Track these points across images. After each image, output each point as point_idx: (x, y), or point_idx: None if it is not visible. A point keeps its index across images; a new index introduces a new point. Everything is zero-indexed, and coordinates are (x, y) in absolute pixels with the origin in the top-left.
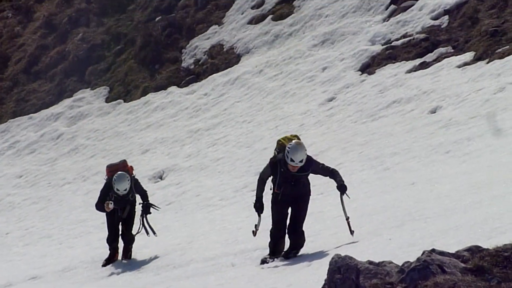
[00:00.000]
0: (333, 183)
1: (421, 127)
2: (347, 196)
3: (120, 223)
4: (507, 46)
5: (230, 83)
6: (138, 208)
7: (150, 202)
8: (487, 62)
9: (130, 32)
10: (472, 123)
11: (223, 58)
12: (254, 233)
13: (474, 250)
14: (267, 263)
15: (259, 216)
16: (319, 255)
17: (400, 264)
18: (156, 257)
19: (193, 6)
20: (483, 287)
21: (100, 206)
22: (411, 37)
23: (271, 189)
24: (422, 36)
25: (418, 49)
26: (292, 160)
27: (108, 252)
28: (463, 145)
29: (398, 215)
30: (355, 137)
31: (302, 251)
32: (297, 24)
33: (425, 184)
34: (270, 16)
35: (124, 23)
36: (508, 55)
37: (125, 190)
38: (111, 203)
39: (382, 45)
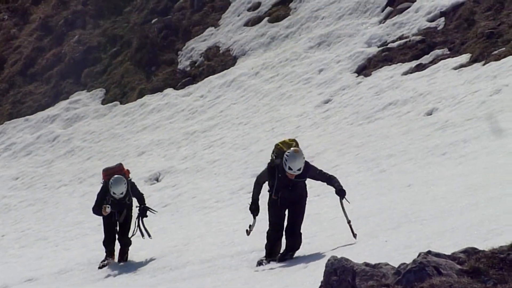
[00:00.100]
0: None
1: (417, 129)
2: (347, 200)
3: (117, 226)
4: (503, 48)
5: (226, 85)
6: (135, 211)
7: (147, 205)
8: (483, 64)
9: (126, 34)
10: (468, 125)
11: (219, 60)
12: (248, 232)
13: (470, 252)
14: (263, 265)
15: (255, 218)
16: (316, 257)
17: (396, 266)
18: (152, 259)
19: (189, 8)
20: None
21: (97, 210)
22: (407, 39)
23: (268, 191)
24: (418, 38)
25: (414, 51)
26: (290, 169)
27: (104, 254)
28: (459, 147)
29: (394, 217)
30: (351, 139)
31: (299, 253)
32: (293, 26)
33: (421, 186)
34: (266, 18)
35: (120, 25)
36: (504, 57)
37: (122, 193)
38: (108, 207)
39: (378, 47)
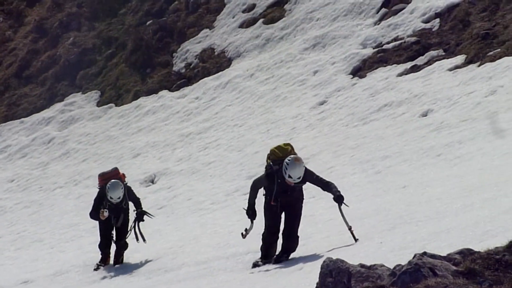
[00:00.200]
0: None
1: (412, 131)
2: (346, 205)
3: (113, 230)
4: (499, 49)
5: (221, 87)
6: (132, 215)
7: (144, 209)
8: (479, 65)
9: (121, 36)
10: (463, 126)
11: (214, 62)
12: (244, 235)
13: (466, 253)
14: (259, 266)
15: (252, 222)
16: (311, 258)
17: (392, 267)
18: (147, 261)
19: (184, 10)
20: None
21: (94, 214)
22: (402, 41)
23: (264, 195)
24: (413, 39)
25: (409, 52)
26: (290, 177)
27: (100, 256)
28: (454, 148)
29: (390, 218)
30: (346, 141)
31: (294, 254)
32: (288, 27)
33: (417, 187)
34: (261, 20)
35: (115, 27)
36: (500, 58)
37: (119, 198)
38: (106, 211)
39: (373, 48)
